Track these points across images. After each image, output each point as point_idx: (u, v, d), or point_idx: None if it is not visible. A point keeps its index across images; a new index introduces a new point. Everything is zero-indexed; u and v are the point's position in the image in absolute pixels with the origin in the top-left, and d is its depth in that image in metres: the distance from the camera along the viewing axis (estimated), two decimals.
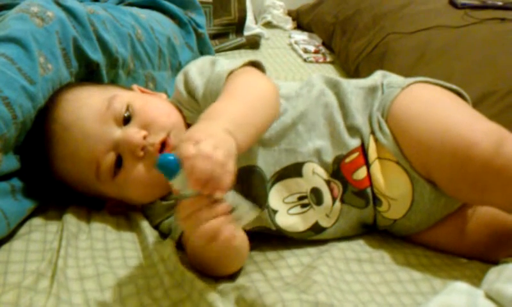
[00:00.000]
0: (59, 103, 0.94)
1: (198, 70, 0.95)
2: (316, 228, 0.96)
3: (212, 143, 0.68)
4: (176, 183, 0.69)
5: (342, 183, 0.95)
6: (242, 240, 0.84)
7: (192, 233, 0.72)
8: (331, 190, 0.95)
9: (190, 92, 0.94)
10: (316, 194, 0.95)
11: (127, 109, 0.92)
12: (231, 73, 0.89)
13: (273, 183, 0.94)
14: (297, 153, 0.94)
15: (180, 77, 0.97)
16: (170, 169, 0.69)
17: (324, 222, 0.96)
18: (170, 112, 0.96)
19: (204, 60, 0.98)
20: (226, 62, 0.94)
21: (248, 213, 0.73)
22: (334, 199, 0.95)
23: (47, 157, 0.94)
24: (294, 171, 0.94)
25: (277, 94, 0.91)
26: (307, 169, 0.94)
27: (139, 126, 0.92)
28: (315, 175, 0.94)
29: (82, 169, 0.93)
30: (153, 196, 0.96)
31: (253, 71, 0.93)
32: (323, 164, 0.95)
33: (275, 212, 0.94)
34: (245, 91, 0.87)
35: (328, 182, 0.95)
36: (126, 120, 0.92)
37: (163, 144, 0.91)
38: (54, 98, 0.96)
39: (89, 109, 0.92)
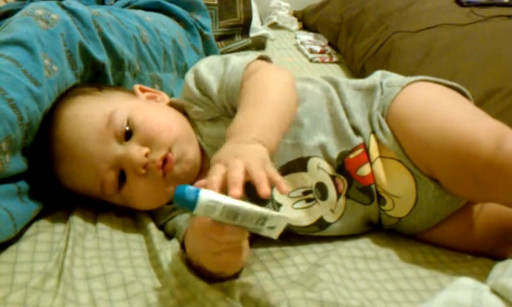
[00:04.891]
0: (59, 121, 0.94)
1: (208, 66, 0.96)
2: (321, 223, 0.96)
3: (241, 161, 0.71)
4: (200, 211, 0.68)
5: (347, 179, 0.95)
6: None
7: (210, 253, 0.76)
8: (336, 186, 0.95)
9: (201, 88, 0.95)
10: (321, 188, 0.95)
11: (128, 123, 0.92)
12: (247, 67, 0.91)
13: None
14: (303, 148, 0.94)
15: (190, 75, 0.98)
16: (189, 201, 0.68)
17: (328, 218, 0.96)
18: (172, 124, 0.95)
19: (213, 58, 1.00)
20: (238, 58, 0.95)
21: (280, 222, 0.71)
22: (339, 195, 0.95)
23: (53, 173, 0.96)
24: (299, 165, 0.94)
25: (294, 84, 0.93)
26: (312, 163, 0.94)
27: (141, 143, 0.91)
28: (320, 170, 0.94)
29: (87, 184, 0.94)
30: (158, 204, 0.97)
31: (267, 65, 0.95)
32: (328, 159, 0.95)
33: (280, 205, 0.94)
34: (267, 93, 0.88)
35: (332, 177, 0.95)
36: (127, 134, 0.92)
37: (165, 160, 0.92)
38: (53, 114, 0.95)
39: (90, 127, 0.92)
